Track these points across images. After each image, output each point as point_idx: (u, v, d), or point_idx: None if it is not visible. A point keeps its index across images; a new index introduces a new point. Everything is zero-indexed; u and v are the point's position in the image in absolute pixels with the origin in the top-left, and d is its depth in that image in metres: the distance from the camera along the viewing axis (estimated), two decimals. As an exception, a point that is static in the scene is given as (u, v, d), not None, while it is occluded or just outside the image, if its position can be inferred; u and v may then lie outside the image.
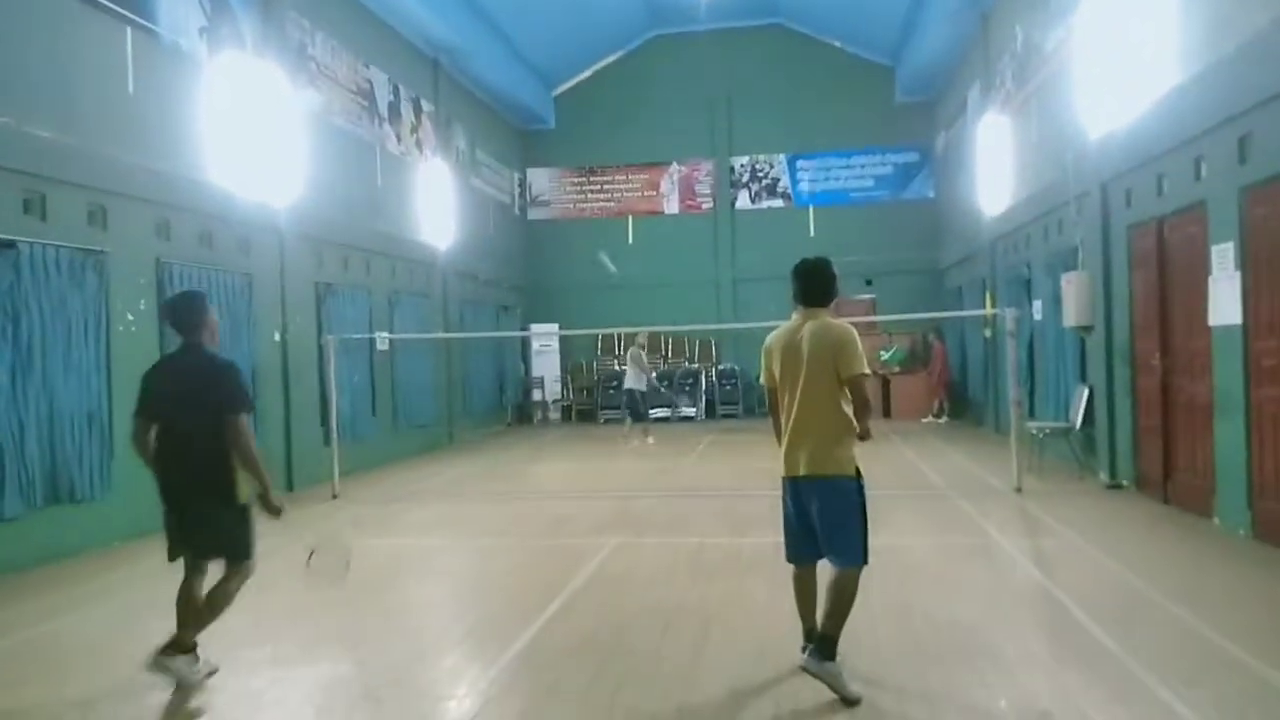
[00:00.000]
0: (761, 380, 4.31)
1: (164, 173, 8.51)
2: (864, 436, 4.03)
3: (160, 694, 4.18)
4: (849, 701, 3.74)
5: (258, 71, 10.08)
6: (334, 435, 10.25)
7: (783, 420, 4.12)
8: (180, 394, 4.23)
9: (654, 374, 15.14)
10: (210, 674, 4.30)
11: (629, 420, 14.79)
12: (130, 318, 8.03)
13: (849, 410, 3.97)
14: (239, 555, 4.32)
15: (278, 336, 10.36)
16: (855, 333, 4.01)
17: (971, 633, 4.66)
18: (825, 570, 4.07)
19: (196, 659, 4.26)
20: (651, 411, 15.28)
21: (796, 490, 4.04)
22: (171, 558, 4.32)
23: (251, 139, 9.93)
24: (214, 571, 4.37)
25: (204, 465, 4.20)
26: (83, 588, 6.21)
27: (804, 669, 3.91)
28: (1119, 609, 4.98)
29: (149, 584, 6.25)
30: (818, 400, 3.95)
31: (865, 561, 3.97)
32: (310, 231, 11.04)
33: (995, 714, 3.66)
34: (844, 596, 3.93)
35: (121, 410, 7.74)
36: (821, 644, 3.89)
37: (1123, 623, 4.71)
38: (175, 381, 4.31)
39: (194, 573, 4.34)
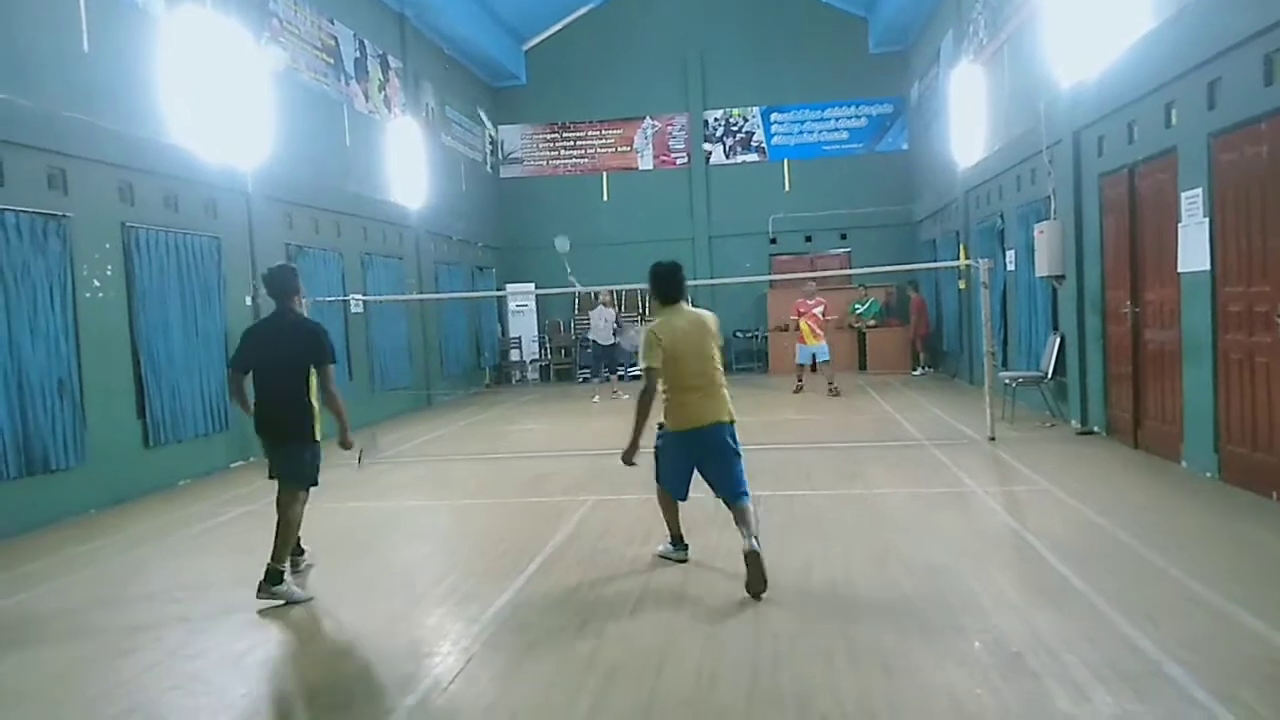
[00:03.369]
0: (650, 363, 4.91)
1: (125, 134, 8.31)
2: None
3: (140, 659, 4.19)
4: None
5: (218, 28, 9.81)
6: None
7: (680, 388, 4.96)
8: (277, 348, 5.14)
9: (626, 331, 15.29)
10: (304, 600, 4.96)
11: (611, 376, 15.23)
12: (97, 283, 7.89)
13: None
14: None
15: (249, 300, 10.22)
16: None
17: (946, 577, 4.75)
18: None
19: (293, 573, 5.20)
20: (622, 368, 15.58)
21: (703, 437, 4.96)
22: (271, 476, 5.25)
23: (215, 98, 9.70)
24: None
25: (291, 405, 5.10)
26: (58, 556, 6.16)
27: (755, 554, 4.63)
28: (1088, 551, 5.09)
29: (126, 551, 6.24)
30: (717, 367, 5.03)
31: None
32: (278, 193, 10.85)
33: (969, 656, 3.74)
34: (754, 512, 4.94)
35: (92, 377, 7.66)
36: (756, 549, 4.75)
37: (1092, 564, 4.81)
38: (273, 338, 5.20)
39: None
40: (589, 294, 17.67)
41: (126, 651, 4.31)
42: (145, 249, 8.45)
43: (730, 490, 4.97)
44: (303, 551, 5.48)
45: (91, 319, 7.73)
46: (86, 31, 7.98)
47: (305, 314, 5.43)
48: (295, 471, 5.14)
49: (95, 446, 7.58)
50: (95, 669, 4.13)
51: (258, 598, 4.82)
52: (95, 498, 7.56)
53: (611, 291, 15.12)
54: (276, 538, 4.97)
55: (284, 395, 5.08)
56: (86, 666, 4.16)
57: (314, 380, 5.13)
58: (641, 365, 4.99)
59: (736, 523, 4.88)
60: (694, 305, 5.24)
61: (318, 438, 5.21)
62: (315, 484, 5.26)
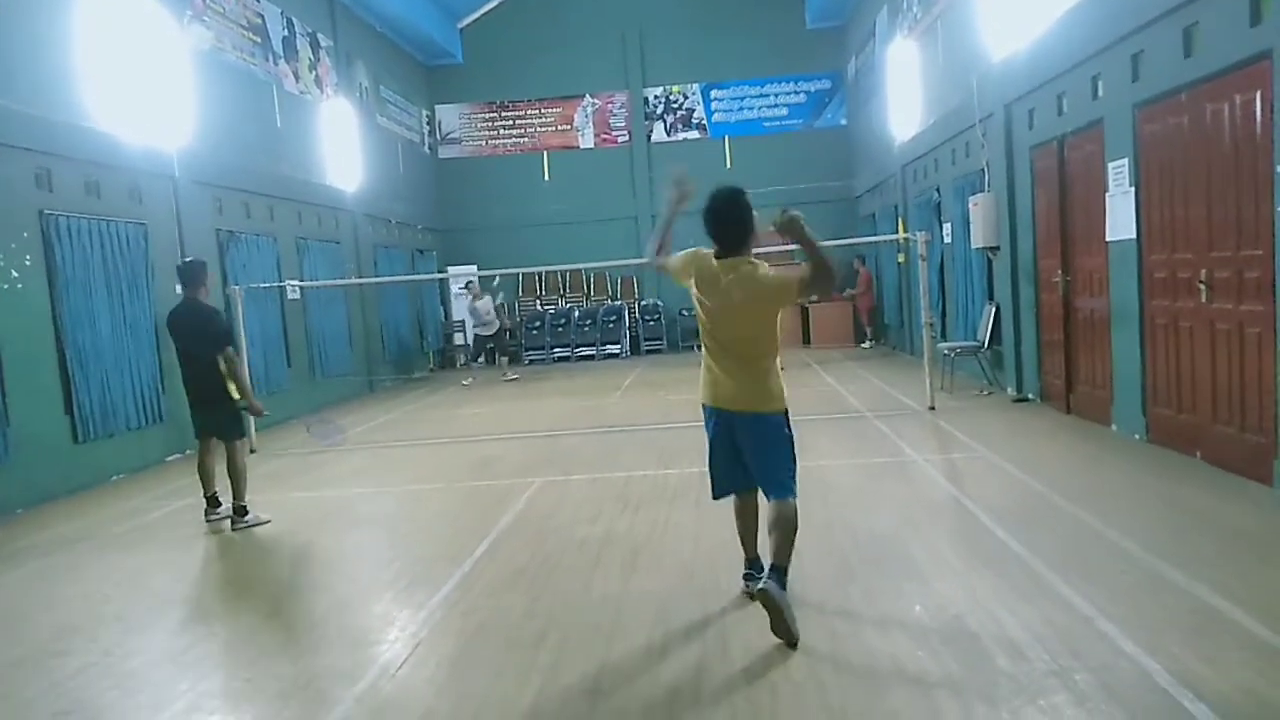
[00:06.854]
0: (661, 259, 4.26)
1: (39, 118, 7.96)
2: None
3: (76, 659, 4.06)
4: (791, 642, 3.59)
5: (138, 6, 9.43)
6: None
7: (707, 349, 3.99)
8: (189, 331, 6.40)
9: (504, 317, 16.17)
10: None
11: (503, 360, 16.14)
12: (15, 274, 7.57)
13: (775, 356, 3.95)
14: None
15: (179, 288, 9.89)
16: (771, 270, 3.85)
17: (889, 545, 4.85)
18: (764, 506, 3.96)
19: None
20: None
21: (726, 419, 3.93)
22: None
23: (136, 80, 9.35)
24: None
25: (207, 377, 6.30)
26: (-14, 558, 5.95)
27: (762, 592, 3.59)
28: (1024, 514, 5.24)
29: (56, 550, 6.04)
30: (751, 346, 3.86)
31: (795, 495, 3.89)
32: (207, 177, 10.52)
33: (911, 620, 3.82)
34: (790, 527, 3.79)
35: (14, 372, 7.37)
36: (777, 573, 3.71)
37: (1028, 527, 4.96)
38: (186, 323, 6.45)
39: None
40: (541, 274, 18.03)
41: (61, 652, 4.18)
42: (66, 237, 8.13)
43: (761, 480, 3.99)
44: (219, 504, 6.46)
45: (10, 311, 7.43)
46: (-6, 10, 7.61)
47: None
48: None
49: (19, 444, 7.31)
50: (29, 671, 3.99)
51: (233, 530, 6.17)
52: (21, 496, 7.30)
53: (472, 280, 15.37)
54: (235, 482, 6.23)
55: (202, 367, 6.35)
56: (20, 668, 4.02)
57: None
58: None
59: (769, 532, 3.83)
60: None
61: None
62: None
